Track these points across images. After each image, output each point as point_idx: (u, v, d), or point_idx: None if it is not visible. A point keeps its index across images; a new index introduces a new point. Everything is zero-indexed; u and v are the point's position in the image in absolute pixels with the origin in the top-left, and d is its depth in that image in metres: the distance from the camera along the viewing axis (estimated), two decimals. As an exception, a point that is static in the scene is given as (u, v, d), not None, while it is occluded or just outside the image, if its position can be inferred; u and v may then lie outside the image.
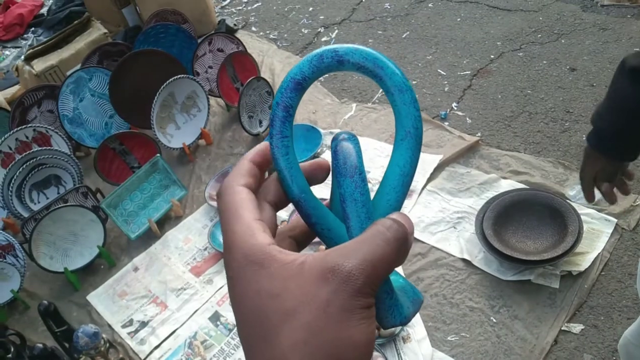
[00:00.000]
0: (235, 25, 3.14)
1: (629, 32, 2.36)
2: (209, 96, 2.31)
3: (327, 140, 2.19)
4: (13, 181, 1.96)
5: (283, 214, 1.84)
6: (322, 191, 0.39)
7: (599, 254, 1.58)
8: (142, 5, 2.84)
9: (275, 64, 2.70)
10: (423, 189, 1.90)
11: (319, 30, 2.98)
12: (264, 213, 0.31)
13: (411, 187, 1.93)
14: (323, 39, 2.89)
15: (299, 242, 0.34)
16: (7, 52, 3.48)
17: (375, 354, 1.45)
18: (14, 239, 1.89)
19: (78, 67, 2.39)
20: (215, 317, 1.69)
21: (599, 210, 1.68)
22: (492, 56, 2.45)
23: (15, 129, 2.09)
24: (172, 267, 1.87)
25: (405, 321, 0.30)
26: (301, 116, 2.35)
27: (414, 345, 1.49)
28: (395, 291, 0.30)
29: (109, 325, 1.76)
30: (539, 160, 1.90)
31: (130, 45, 2.49)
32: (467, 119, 2.17)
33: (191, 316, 1.71)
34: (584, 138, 1.04)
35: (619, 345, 1.10)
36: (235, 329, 1.62)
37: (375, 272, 0.26)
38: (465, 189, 1.87)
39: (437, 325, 1.54)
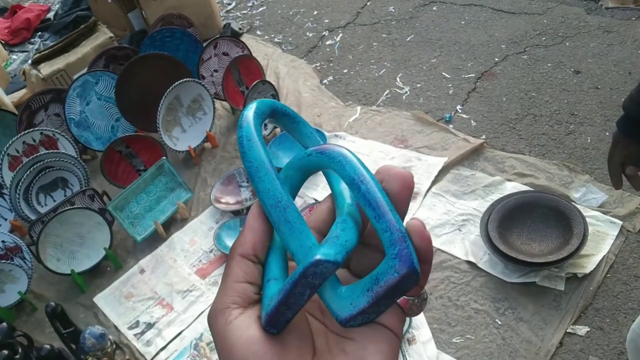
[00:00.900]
0: (240, 29, 3.15)
1: (633, 35, 2.36)
2: (215, 99, 2.33)
3: (332, 142, 2.19)
4: (20, 184, 1.98)
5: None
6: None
7: (605, 256, 1.58)
8: (148, 9, 2.86)
9: (280, 67, 2.72)
10: (428, 191, 1.90)
11: (323, 33, 2.99)
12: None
13: (416, 190, 1.94)
14: (327, 42, 2.90)
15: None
16: (14, 56, 3.51)
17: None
18: (21, 241, 1.91)
19: (84, 70, 2.40)
20: (220, 319, 1.69)
21: (605, 213, 1.68)
22: (496, 59, 2.46)
23: (23, 132, 2.11)
24: (178, 269, 1.88)
25: (355, 309, 0.29)
26: (306, 119, 2.33)
27: (419, 347, 1.49)
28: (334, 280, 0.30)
29: (115, 327, 1.77)
30: (544, 162, 1.90)
31: (136, 49, 2.50)
32: (472, 121, 2.18)
33: (197, 318, 1.72)
34: (614, 124, 1.03)
35: (627, 341, 1.09)
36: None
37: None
38: (470, 191, 1.87)
39: (442, 327, 1.54)
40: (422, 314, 1.55)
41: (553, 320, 1.48)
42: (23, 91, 2.81)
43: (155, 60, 2.28)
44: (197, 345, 1.64)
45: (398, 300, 0.30)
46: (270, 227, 0.31)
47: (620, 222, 1.64)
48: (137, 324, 1.75)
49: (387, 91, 2.45)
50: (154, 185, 2.04)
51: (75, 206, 1.92)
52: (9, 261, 1.86)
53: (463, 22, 2.75)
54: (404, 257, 0.27)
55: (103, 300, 1.86)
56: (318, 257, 0.27)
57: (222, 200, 2.05)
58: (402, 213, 0.30)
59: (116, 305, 1.83)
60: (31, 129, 2.13)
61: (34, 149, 2.12)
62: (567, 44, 2.43)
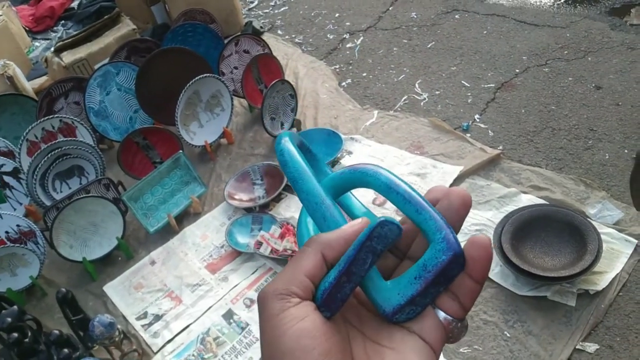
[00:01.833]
0: (261, 27, 3.16)
1: (657, 53, 2.34)
2: (233, 96, 2.34)
3: (348, 145, 2.20)
4: (37, 170, 2.00)
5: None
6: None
7: (618, 274, 1.56)
8: (171, 3, 2.89)
9: (300, 67, 2.72)
10: (442, 199, 1.89)
11: (344, 36, 2.99)
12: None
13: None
14: (348, 45, 2.90)
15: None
16: (37, 44, 3.55)
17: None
18: (35, 226, 1.93)
19: (106, 61, 2.42)
20: (228, 315, 1.70)
21: (620, 231, 1.66)
22: (517, 70, 2.44)
23: (42, 119, 2.13)
24: (189, 263, 1.89)
25: (401, 303, 0.29)
26: (323, 120, 2.36)
27: (426, 355, 1.48)
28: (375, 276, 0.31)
29: (124, 317, 1.78)
30: (560, 176, 1.89)
31: (158, 42, 2.52)
32: (489, 131, 2.17)
33: (205, 312, 1.73)
34: (634, 142, 1.02)
35: None
36: (248, 327, 1.63)
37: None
38: (484, 201, 1.86)
39: (449, 336, 1.53)
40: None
41: (562, 335, 1.47)
42: (44, 78, 2.84)
43: (177, 54, 2.29)
44: (204, 339, 1.65)
45: (442, 320, 0.30)
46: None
47: (636, 241, 1.63)
48: (145, 315, 1.76)
49: (405, 97, 2.45)
50: (169, 178, 2.05)
51: (90, 194, 1.94)
52: (22, 245, 1.88)
53: (485, 32, 2.74)
54: (450, 240, 0.28)
55: (112, 289, 1.88)
56: (383, 218, 0.28)
57: (236, 197, 2.06)
58: (457, 228, 0.31)
59: (125, 295, 1.84)
60: (51, 116, 2.15)
61: (52, 136, 2.14)
62: (590, 58, 2.41)
